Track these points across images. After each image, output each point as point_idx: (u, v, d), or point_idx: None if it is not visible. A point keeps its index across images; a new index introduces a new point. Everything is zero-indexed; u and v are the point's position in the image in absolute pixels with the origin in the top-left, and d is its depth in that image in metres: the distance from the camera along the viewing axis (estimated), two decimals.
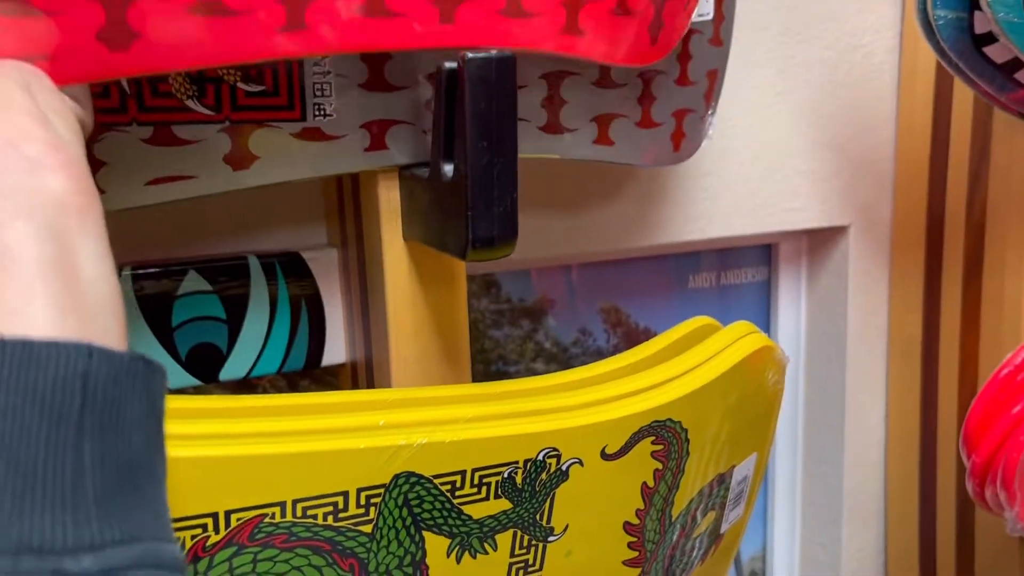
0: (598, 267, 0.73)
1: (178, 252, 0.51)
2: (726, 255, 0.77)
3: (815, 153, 0.70)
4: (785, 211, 0.69)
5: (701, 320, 0.48)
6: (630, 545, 0.43)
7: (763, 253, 0.79)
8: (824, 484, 0.78)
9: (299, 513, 0.34)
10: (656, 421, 0.41)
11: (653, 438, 0.41)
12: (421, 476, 0.36)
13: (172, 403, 0.34)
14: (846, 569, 0.78)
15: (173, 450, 0.31)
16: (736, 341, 0.45)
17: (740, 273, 0.78)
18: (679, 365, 0.43)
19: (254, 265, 0.51)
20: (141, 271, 0.49)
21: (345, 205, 0.49)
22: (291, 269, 0.52)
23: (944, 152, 0.69)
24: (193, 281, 0.50)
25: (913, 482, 0.74)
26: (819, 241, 0.76)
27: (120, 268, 0.48)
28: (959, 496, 0.71)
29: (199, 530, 0.33)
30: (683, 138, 0.49)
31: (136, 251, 0.50)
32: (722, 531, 0.50)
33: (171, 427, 0.32)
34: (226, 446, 0.33)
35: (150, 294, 0.49)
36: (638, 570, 0.44)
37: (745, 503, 0.51)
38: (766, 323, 0.79)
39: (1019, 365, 0.53)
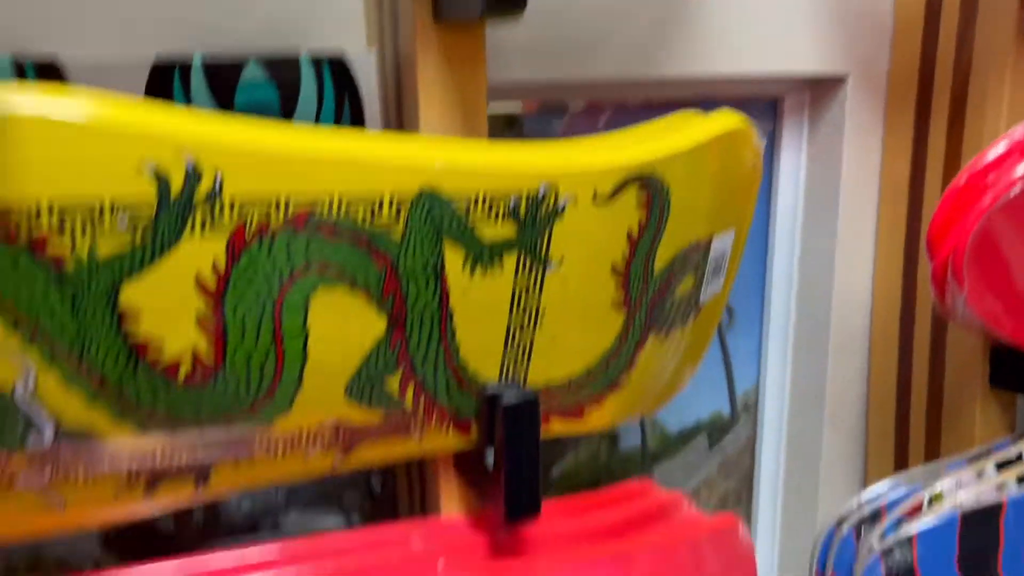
0: (625, 113, 0.79)
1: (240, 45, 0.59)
2: (736, 109, 0.84)
3: (818, 2, 0.76)
4: (788, 54, 0.75)
5: (692, 112, 0.55)
6: (617, 287, 0.51)
7: (769, 108, 0.85)
8: (814, 320, 0.85)
9: (343, 210, 0.42)
10: (643, 173, 0.48)
11: (639, 185, 0.48)
12: (441, 195, 0.44)
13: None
14: (831, 401, 0.86)
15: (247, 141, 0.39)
16: (719, 120, 0.52)
17: None
18: (667, 133, 0.51)
19: (305, 62, 0.59)
20: (210, 60, 0.57)
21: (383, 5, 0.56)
22: (336, 69, 0.60)
23: (938, 4, 0.74)
24: (252, 71, 0.58)
25: (895, 313, 0.81)
26: (820, 94, 0.82)
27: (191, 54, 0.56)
28: (934, 326, 0.78)
29: (264, 215, 0.41)
30: None
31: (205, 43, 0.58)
32: (701, 300, 0.58)
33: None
34: (284, 140, 0.41)
35: (217, 81, 0.57)
36: (624, 312, 0.52)
37: (724, 278, 0.58)
38: (770, 171, 0.86)
39: (979, 171, 0.59)
